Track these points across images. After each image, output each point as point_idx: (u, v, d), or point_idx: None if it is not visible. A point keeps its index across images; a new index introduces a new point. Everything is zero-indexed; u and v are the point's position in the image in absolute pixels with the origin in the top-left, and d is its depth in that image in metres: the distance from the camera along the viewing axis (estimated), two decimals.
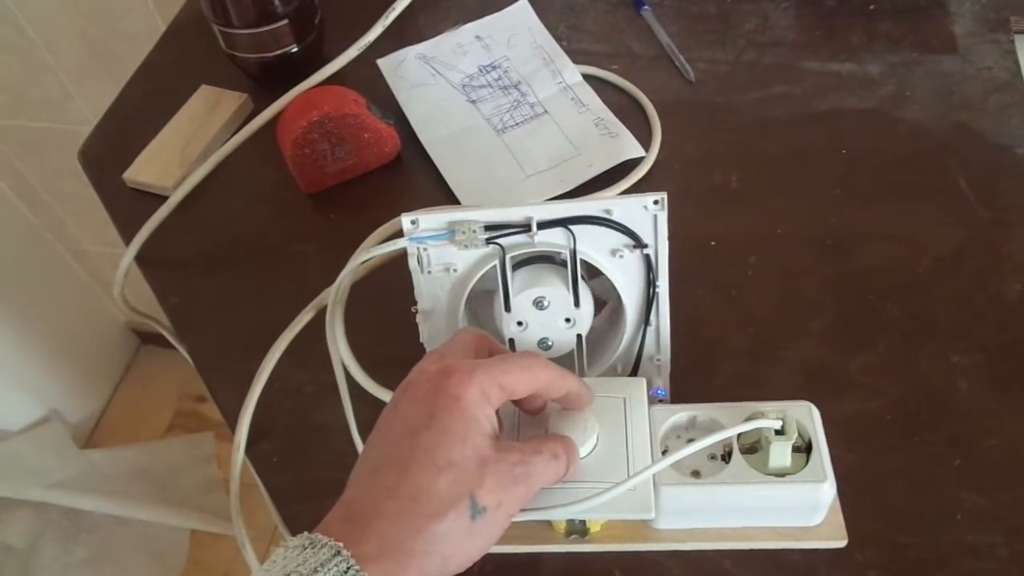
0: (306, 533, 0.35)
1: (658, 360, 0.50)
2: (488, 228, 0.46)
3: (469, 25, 0.75)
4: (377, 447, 0.40)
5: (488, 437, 0.39)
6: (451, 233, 0.46)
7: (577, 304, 0.47)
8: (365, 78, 0.72)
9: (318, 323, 0.54)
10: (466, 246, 0.46)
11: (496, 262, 0.47)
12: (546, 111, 0.69)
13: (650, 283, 0.47)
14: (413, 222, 0.46)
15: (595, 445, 0.44)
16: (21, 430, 1.54)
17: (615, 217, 0.46)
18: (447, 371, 0.40)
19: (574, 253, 0.46)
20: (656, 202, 0.45)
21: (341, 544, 0.34)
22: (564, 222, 0.46)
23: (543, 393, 0.43)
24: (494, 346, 0.45)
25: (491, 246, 0.46)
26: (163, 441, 1.63)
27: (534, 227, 0.46)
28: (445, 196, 0.65)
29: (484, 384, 0.40)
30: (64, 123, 1.23)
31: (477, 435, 0.39)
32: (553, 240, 0.46)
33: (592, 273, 0.49)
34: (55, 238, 1.49)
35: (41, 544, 1.48)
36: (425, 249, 0.47)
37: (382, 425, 0.41)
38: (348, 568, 0.34)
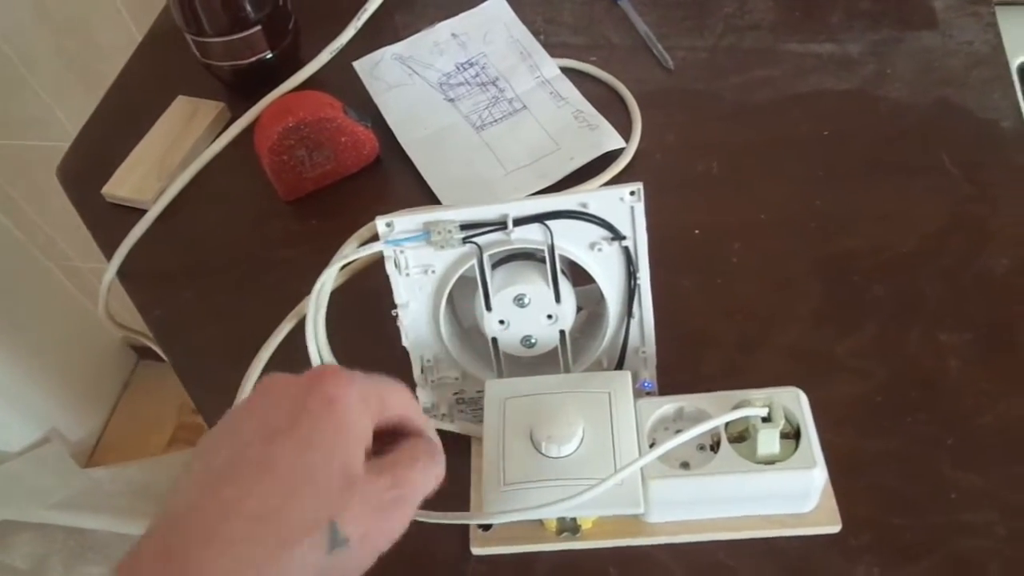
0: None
1: (643, 352, 0.50)
2: (464, 227, 0.45)
3: (445, 23, 0.75)
4: (217, 451, 0.32)
5: (361, 451, 0.33)
6: (427, 234, 0.46)
7: (558, 300, 0.47)
8: (342, 81, 0.71)
9: (301, 331, 0.53)
10: (443, 247, 0.46)
11: (474, 261, 0.46)
12: (525, 106, 0.68)
13: (631, 275, 0.47)
14: (388, 225, 0.46)
15: (580, 442, 0.44)
16: (21, 451, 1.53)
17: (591, 210, 0.45)
18: (321, 373, 0.33)
19: (552, 249, 0.46)
20: (632, 193, 0.44)
21: None
22: (540, 218, 0.45)
23: (409, 421, 0.37)
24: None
25: (468, 245, 0.46)
26: (165, 457, 1.62)
27: (510, 224, 0.45)
28: (426, 197, 0.64)
29: (365, 390, 0.34)
30: (48, 140, 1.22)
31: (350, 446, 0.32)
32: (531, 236, 0.46)
33: (574, 268, 0.48)
34: (46, 256, 1.49)
35: (47, 565, 1.47)
36: (402, 251, 0.47)
37: (227, 425, 0.33)
38: None
